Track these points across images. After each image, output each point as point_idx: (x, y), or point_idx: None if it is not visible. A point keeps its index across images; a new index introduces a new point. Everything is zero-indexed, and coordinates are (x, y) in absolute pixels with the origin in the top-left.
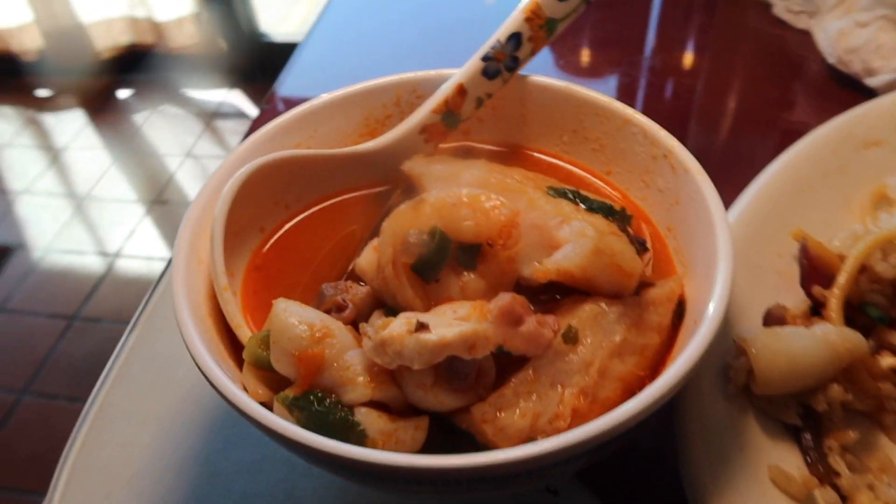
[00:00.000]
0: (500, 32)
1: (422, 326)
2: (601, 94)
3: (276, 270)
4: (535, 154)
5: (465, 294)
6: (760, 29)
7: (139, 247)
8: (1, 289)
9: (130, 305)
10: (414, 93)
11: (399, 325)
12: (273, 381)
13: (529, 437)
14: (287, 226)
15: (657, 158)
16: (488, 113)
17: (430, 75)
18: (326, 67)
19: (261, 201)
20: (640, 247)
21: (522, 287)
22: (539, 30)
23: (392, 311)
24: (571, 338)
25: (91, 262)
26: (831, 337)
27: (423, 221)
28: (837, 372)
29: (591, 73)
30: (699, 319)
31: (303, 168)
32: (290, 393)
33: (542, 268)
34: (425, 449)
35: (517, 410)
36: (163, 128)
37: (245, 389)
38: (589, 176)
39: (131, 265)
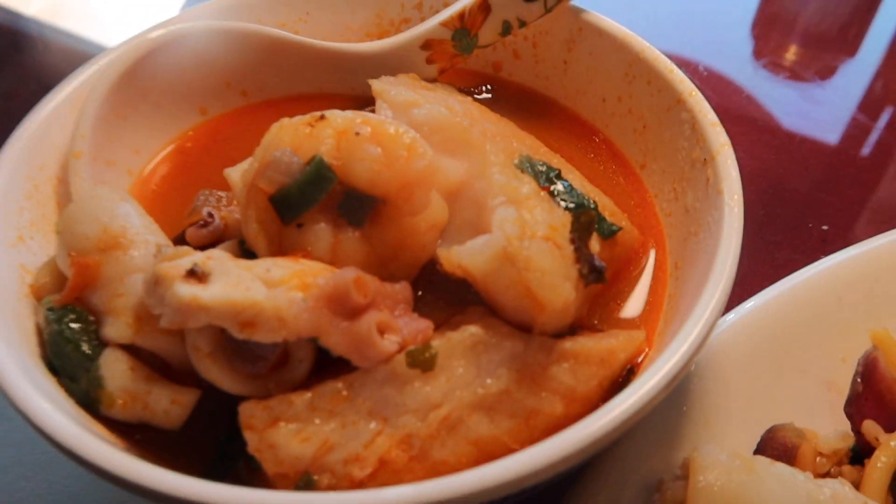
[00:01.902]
0: None
1: (193, 274)
2: (661, 56)
3: (201, 159)
4: (569, 126)
5: (336, 256)
6: None
7: None
8: None
9: None
10: None
11: (185, 262)
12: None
13: (305, 473)
14: (237, 116)
15: (696, 164)
16: (526, 48)
17: None
18: None
19: (204, 75)
20: (592, 274)
21: (442, 276)
22: None
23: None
24: (423, 362)
25: None
26: None
27: (312, 144)
28: None
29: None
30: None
31: (273, 53)
32: (52, 299)
33: (447, 255)
34: (191, 435)
35: (302, 429)
36: None
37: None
38: (616, 168)
39: None
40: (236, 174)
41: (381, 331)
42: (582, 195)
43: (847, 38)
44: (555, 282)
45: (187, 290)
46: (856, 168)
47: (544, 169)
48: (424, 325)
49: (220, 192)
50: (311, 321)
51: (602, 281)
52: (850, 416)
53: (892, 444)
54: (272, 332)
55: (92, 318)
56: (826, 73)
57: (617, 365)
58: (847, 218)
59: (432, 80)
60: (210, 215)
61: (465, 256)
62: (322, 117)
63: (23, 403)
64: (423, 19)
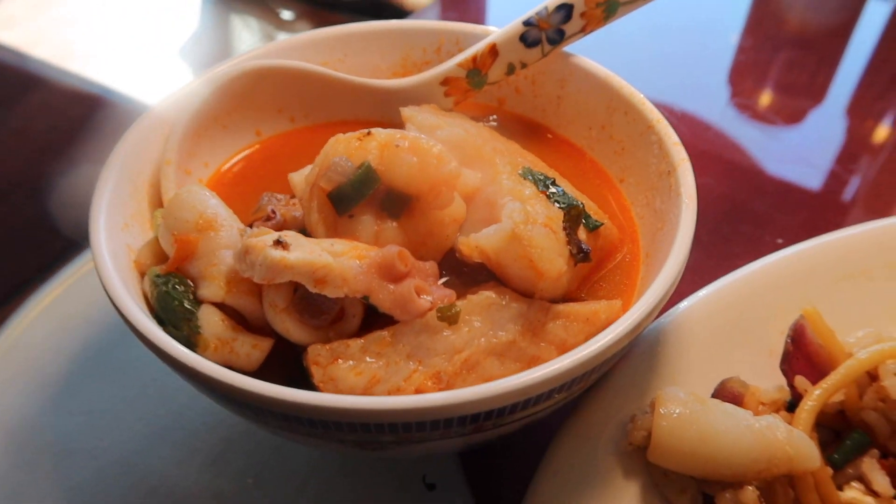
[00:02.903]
0: None
1: (279, 243)
2: (636, 91)
3: (256, 172)
4: (561, 149)
5: (378, 242)
6: None
7: None
8: None
9: None
10: (457, 44)
11: (269, 238)
12: (166, 258)
13: None
14: (287, 139)
15: (663, 175)
16: (526, 85)
17: (475, 29)
18: None
19: (261, 104)
20: (580, 254)
21: (460, 262)
22: (596, 7)
23: (308, 236)
24: (450, 317)
25: None
26: (775, 434)
27: (361, 154)
28: (761, 475)
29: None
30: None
31: (318, 86)
32: (158, 269)
33: (466, 241)
34: (264, 377)
35: (356, 366)
36: None
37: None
38: (599, 182)
39: None
40: (299, 178)
41: (418, 292)
42: (572, 197)
43: (813, 87)
44: (551, 256)
45: (277, 253)
46: (806, 194)
47: (542, 178)
48: (449, 291)
49: (280, 195)
50: (365, 282)
51: (588, 261)
52: (784, 372)
53: (817, 391)
54: (337, 288)
55: (190, 282)
56: (792, 117)
57: (599, 323)
58: (798, 232)
59: (449, 111)
60: (273, 212)
61: (481, 239)
62: (369, 133)
63: (155, 339)
64: (441, 61)
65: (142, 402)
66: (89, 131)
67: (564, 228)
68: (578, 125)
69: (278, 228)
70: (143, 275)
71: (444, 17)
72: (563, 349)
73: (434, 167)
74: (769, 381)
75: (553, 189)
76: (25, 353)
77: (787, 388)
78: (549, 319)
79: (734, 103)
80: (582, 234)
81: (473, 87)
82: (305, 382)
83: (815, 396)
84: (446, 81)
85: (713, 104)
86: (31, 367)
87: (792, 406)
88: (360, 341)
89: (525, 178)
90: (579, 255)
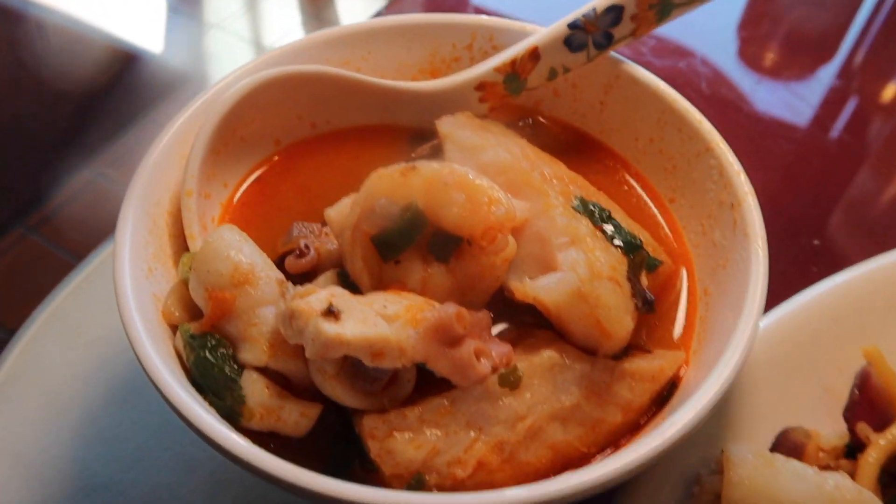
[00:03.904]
0: (599, 0)
1: (331, 313)
2: (693, 109)
3: (277, 188)
4: (602, 158)
5: (426, 288)
6: None
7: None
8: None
9: None
10: (490, 41)
11: (316, 301)
12: (195, 306)
13: (417, 473)
14: (307, 146)
15: (724, 206)
16: (566, 89)
17: (512, 26)
18: None
19: (281, 112)
20: (645, 305)
21: (506, 299)
22: (648, 10)
23: (347, 277)
24: (511, 382)
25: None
26: (844, 496)
27: (405, 192)
28: None
29: (774, 73)
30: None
31: (340, 89)
32: (192, 328)
33: (522, 288)
34: (312, 441)
35: (414, 438)
36: None
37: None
38: (648, 200)
39: None
40: (334, 213)
41: (477, 355)
42: (629, 233)
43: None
44: (619, 316)
45: (332, 329)
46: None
47: (597, 210)
48: (507, 348)
49: (312, 225)
50: (423, 350)
51: (652, 311)
52: (847, 419)
53: (882, 442)
54: (395, 360)
55: (228, 344)
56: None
57: (664, 380)
58: (834, 234)
59: (483, 117)
60: (306, 247)
61: (541, 292)
62: (413, 168)
63: (192, 417)
64: (471, 58)
65: (166, 429)
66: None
67: (629, 279)
68: (623, 134)
69: (313, 265)
70: (170, 324)
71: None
72: (629, 411)
73: (486, 208)
74: (824, 421)
75: (609, 225)
76: (38, 376)
77: (847, 433)
78: (615, 380)
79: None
80: (643, 277)
81: (511, 93)
82: (352, 444)
83: (879, 448)
84: (481, 86)
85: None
86: (45, 391)
87: (851, 451)
88: (417, 410)
89: (579, 213)
90: (644, 307)
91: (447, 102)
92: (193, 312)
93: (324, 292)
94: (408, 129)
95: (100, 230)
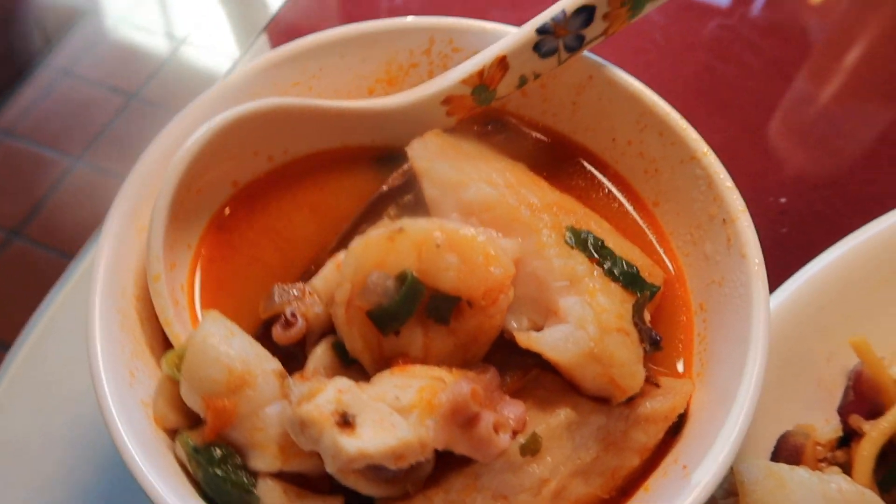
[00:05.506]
0: (568, 1)
1: (346, 423)
2: (675, 113)
3: (244, 236)
4: (578, 158)
5: (428, 354)
6: None
7: (205, 37)
8: (69, 53)
9: (187, 95)
10: (449, 43)
11: (325, 402)
12: (185, 409)
13: None
14: (266, 182)
15: (714, 219)
16: (535, 90)
17: (471, 26)
18: None
19: (236, 153)
20: (652, 345)
21: (503, 340)
22: (620, 7)
23: (343, 347)
24: (532, 450)
25: (158, 43)
26: (846, 498)
27: (395, 260)
28: None
29: None
30: (690, 466)
31: (295, 118)
32: (193, 439)
33: (527, 339)
34: None
35: None
36: None
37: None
38: (628, 206)
39: (194, 54)
40: (320, 283)
41: (496, 429)
42: (625, 264)
43: None
44: (633, 370)
45: (352, 445)
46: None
47: (591, 240)
48: (521, 409)
49: (293, 286)
50: (443, 439)
51: (659, 349)
52: (842, 414)
53: (874, 434)
54: (417, 457)
55: (234, 451)
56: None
57: (675, 416)
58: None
59: (450, 129)
60: (293, 315)
61: (547, 348)
62: (401, 230)
63: None
64: (430, 62)
65: None
66: None
67: (636, 324)
68: (599, 133)
69: (301, 335)
70: (165, 429)
71: None
72: (644, 453)
73: (483, 269)
74: (818, 412)
75: (605, 257)
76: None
77: (840, 426)
78: (630, 427)
79: None
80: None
81: (480, 104)
82: None
83: (871, 440)
84: (448, 100)
85: None
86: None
87: (845, 439)
88: (442, 494)
89: (573, 248)
90: (651, 347)
91: (412, 119)
92: (187, 413)
93: (330, 390)
94: (371, 149)
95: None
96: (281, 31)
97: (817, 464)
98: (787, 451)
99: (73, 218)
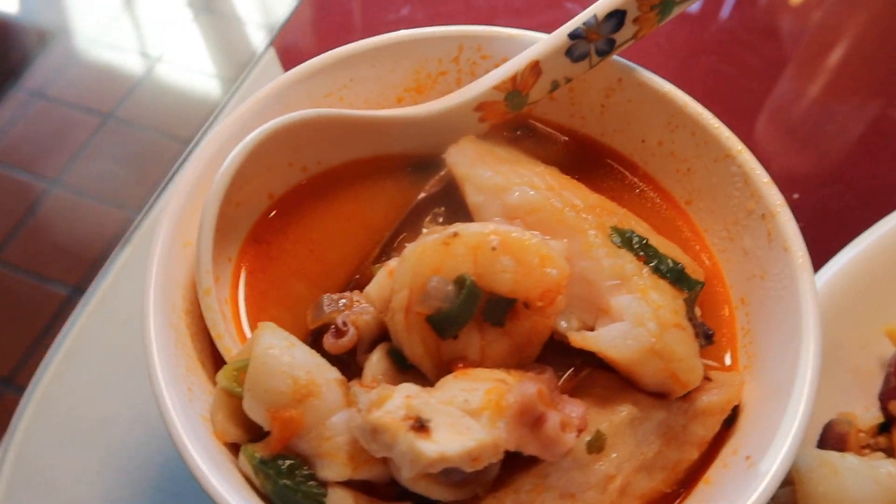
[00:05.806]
0: (599, 6)
1: (421, 427)
2: (707, 112)
3: (282, 247)
4: (607, 160)
5: (485, 356)
6: None
7: (180, 55)
8: (41, 74)
9: (166, 115)
10: (478, 51)
11: (395, 409)
12: (247, 418)
13: None
14: (301, 193)
15: (752, 215)
16: (563, 93)
17: (500, 34)
18: None
19: (272, 165)
20: (706, 339)
21: (554, 341)
22: (650, 10)
23: (398, 353)
24: (598, 447)
25: (132, 62)
26: (894, 481)
27: (452, 265)
28: None
29: None
30: (755, 457)
31: (330, 129)
32: (258, 452)
33: (581, 338)
34: None
35: None
36: None
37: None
38: (661, 205)
39: (170, 72)
40: (374, 291)
41: (562, 428)
42: (671, 262)
43: None
44: (692, 364)
45: (432, 449)
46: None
47: (635, 240)
48: (582, 408)
49: (341, 295)
50: (514, 440)
51: (711, 343)
52: (882, 401)
53: None
54: (491, 458)
55: (302, 461)
56: None
57: (730, 408)
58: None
59: (482, 135)
60: (344, 324)
61: (605, 346)
62: (455, 234)
63: None
64: (459, 70)
65: None
66: None
67: (690, 319)
68: (628, 135)
69: (353, 344)
70: (225, 443)
71: None
72: (702, 445)
73: (539, 270)
74: (857, 400)
75: (651, 255)
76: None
77: (880, 413)
78: (689, 420)
79: None
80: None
81: (512, 110)
82: None
83: None
84: (481, 106)
85: None
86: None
87: (885, 426)
88: (511, 493)
89: (620, 248)
90: (706, 341)
91: (445, 126)
92: (248, 425)
93: (398, 396)
94: (404, 158)
95: None
96: (288, 45)
97: (861, 450)
98: (833, 438)
99: (52, 241)
